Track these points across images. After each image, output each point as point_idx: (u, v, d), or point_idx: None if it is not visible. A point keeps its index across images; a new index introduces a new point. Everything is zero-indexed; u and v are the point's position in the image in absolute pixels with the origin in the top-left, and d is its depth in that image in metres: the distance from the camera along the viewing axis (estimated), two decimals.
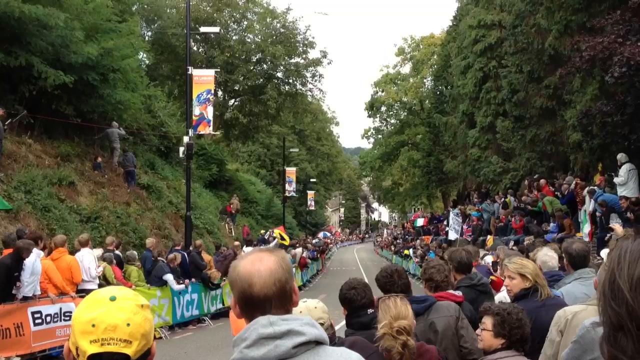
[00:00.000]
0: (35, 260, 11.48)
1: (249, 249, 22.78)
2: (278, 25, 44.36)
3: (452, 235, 26.97)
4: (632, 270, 0.97)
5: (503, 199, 24.50)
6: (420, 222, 41.99)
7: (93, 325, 1.74)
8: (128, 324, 1.76)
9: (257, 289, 1.93)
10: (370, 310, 4.28)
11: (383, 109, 66.14)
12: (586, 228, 16.51)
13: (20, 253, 10.91)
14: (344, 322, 4.50)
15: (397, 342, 3.53)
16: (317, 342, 1.92)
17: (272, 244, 26.13)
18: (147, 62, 36.77)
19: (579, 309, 3.83)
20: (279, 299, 1.95)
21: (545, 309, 4.36)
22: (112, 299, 1.81)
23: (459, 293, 5.05)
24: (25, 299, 11.48)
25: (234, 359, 1.87)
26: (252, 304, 1.95)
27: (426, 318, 4.51)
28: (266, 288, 1.93)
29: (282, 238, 26.55)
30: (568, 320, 3.77)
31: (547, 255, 6.40)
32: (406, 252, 41.12)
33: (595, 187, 16.33)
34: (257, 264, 1.97)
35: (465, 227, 27.24)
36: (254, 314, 1.94)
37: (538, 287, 4.69)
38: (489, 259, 10.89)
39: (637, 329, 0.94)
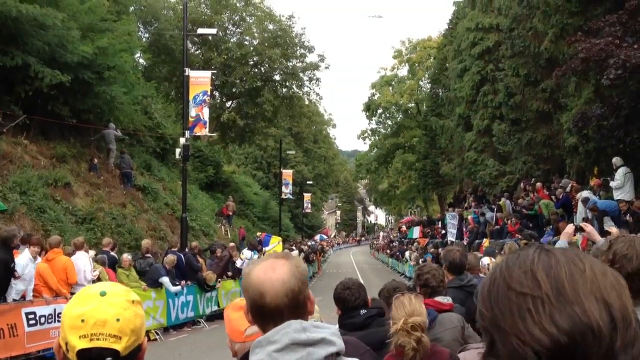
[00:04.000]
0: (27, 264, 11.45)
1: (248, 252, 22.71)
2: (276, 28, 44.34)
3: (451, 238, 27.02)
4: (484, 290, 1.13)
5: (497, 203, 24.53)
6: (416, 232, 41.71)
7: (82, 320, 1.73)
8: (118, 319, 1.75)
9: (269, 300, 1.86)
10: (363, 311, 4.26)
11: (380, 111, 66.25)
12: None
13: (9, 242, 10.89)
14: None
15: (411, 337, 3.53)
16: (338, 354, 1.84)
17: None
18: (144, 63, 36.73)
19: None
20: (292, 310, 1.87)
21: None
22: (103, 294, 1.79)
23: (446, 300, 4.95)
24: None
25: None
26: (264, 314, 1.88)
27: (430, 333, 4.29)
28: (278, 299, 1.86)
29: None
30: None
31: None
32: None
33: (589, 195, 16.28)
34: (270, 273, 1.89)
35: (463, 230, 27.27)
36: (267, 325, 1.86)
37: None
38: (486, 261, 10.87)
39: (498, 333, 1.07)
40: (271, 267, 1.92)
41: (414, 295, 3.81)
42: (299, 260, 2.02)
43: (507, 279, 1.08)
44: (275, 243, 24.28)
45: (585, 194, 16.53)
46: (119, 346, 1.74)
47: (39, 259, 12.20)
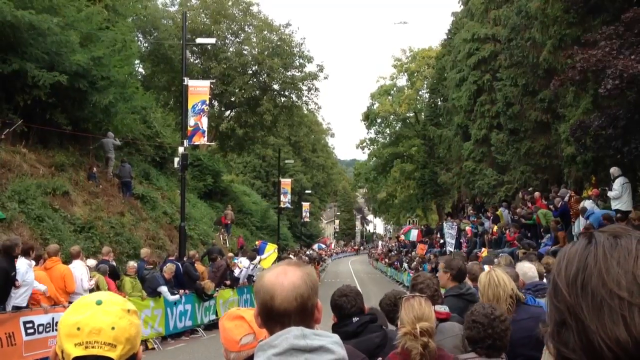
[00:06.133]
0: (27, 271, 11.45)
1: (246, 261, 22.68)
2: (275, 37, 44.50)
3: (450, 248, 27.00)
4: (569, 271, 1.07)
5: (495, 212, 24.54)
6: (414, 234, 41.83)
7: (78, 329, 1.75)
8: (113, 328, 1.77)
9: (278, 302, 1.92)
10: (355, 319, 4.26)
11: (378, 120, 66.34)
12: None
13: (11, 251, 10.88)
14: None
15: (418, 342, 3.54)
16: None
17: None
18: (143, 72, 36.77)
19: None
20: (299, 315, 1.93)
21: (519, 323, 4.21)
22: (99, 302, 1.82)
23: (443, 309, 4.96)
24: (17, 308, 11.44)
25: None
26: (272, 316, 1.94)
27: None
28: (286, 302, 1.92)
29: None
30: None
31: (526, 267, 6.52)
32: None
33: (587, 205, 16.28)
34: (281, 277, 1.96)
35: (461, 240, 27.25)
36: (274, 327, 1.93)
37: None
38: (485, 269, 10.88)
39: (576, 323, 1.02)
40: (283, 272, 1.99)
41: (424, 298, 3.82)
42: (311, 269, 2.09)
43: (604, 273, 1.01)
44: (270, 251, 24.15)
45: (586, 204, 16.54)
46: (113, 354, 1.76)
47: (33, 263, 12.18)
